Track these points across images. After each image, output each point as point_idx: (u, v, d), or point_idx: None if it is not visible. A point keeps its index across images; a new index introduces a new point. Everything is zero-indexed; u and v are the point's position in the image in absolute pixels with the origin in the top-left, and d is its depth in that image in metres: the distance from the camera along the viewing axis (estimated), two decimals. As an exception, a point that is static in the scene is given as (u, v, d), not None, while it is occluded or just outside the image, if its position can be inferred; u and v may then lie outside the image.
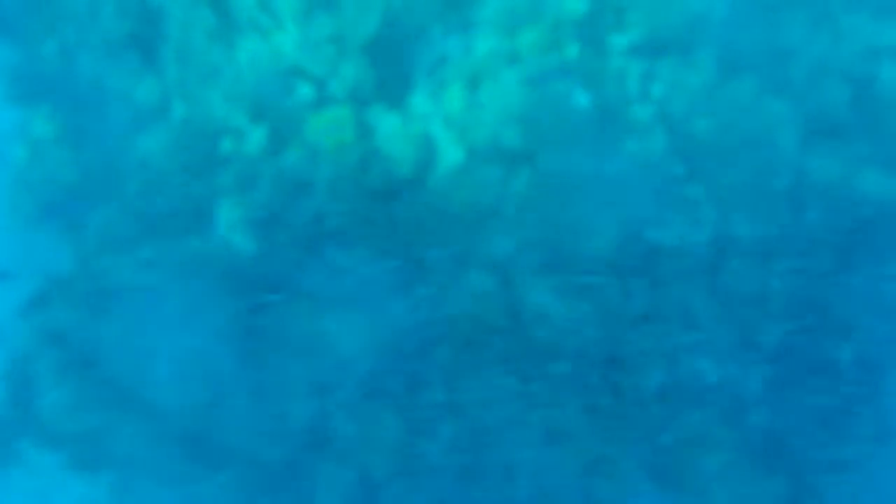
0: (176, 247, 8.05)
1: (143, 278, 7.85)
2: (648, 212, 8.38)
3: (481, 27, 9.14)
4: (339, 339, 8.20)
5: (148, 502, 8.40)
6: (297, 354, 8.08)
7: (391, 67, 8.94)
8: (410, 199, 8.54)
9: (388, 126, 8.76)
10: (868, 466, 8.89)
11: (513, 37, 9.01)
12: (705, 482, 8.64)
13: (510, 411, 8.12)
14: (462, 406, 8.06)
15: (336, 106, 8.63)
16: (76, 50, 9.78)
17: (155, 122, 9.49)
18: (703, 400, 8.47)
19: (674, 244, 8.39)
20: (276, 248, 8.25)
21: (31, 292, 8.41)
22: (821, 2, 10.14)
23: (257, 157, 8.36)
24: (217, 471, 8.24)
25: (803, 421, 8.57)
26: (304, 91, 8.67)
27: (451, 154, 8.70)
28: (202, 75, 8.98)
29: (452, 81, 8.98)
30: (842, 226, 9.06)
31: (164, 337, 8.00)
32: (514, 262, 8.50)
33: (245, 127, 8.57)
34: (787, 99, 9.16)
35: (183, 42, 9.34)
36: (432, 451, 8.13)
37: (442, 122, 8.83)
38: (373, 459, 8.30)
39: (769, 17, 9.56)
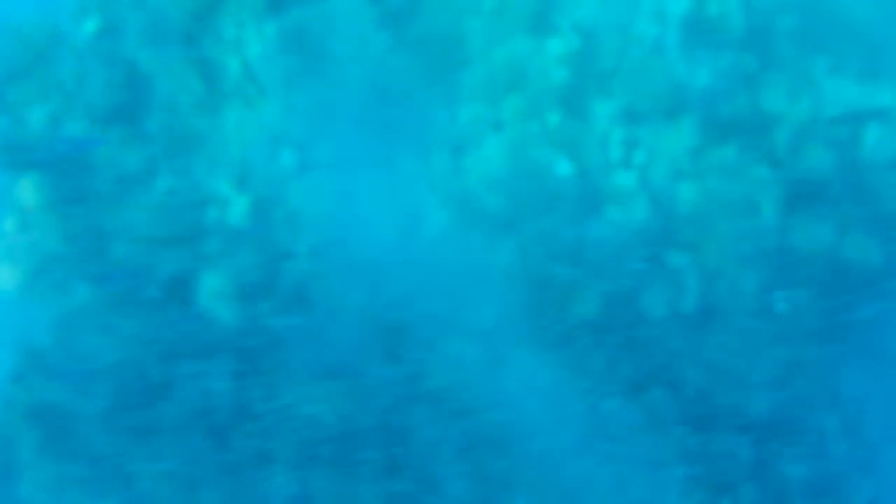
0: (158, 319, 7.99)
1: (124, 354, 7.77)
2: (632, 280, 8.33)
3: (466, 94, 9.22)
4: (320, 408, 8.10)
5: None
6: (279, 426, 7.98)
7: (377, 134, 8.98)
8: (396, 266, 8.49)
9: (374, 192, 8.74)
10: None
11: (496, 104, 9.07)
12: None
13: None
14: (439, 483, 7.95)
15: (321, 172, 8.63)
16: (63, 118, 9.84)
17: (141, 190, 9.50)
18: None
19: (659, 313, 8.31)
20: (259, 318, 8.18)
21: (11, 367, 8.34)
22: (803, 67, 10.25)
23: (241, 225, 8.34)
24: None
25: (792, 491, 8.43)
26: (288, 158, 8.69)
27: (436, 220, 8.69)
28: (188, 144, 9.01)
29: (438, 148, 9.01)
30: (827, 293, 9.01)
31: (142, 413, 7.92)
32: (498, 331, 8.42)
33: (229, 195, 8.57)
34: (769, 165, 9.18)
35: (170, 111, 9.42)
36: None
37: (428, 188, 8.84)
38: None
39: (751, 84, 9.64)
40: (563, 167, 8.50)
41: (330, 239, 8.28)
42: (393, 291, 8.22)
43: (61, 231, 9.62)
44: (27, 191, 9.54)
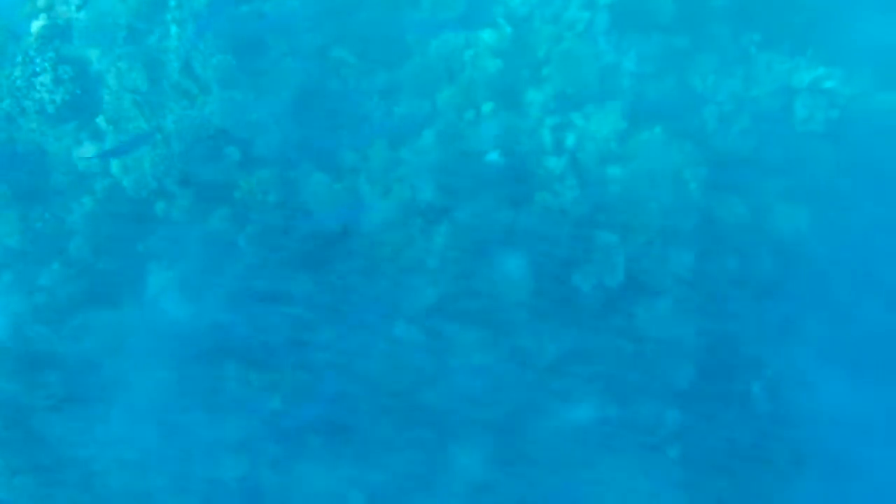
0: (110, 313, 8.40)
1: (77, 346, 8.18)
2: (564, 259, 8.78)
3: (402, 87, 9.57)
4: (267, 395, 8.56)
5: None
6: (227, 413, 8.43)
7: (317, 127, 9.33)
8: (337, 255, 8.91)
9: (314, 184, 9.13)
10: (785, 495, 9.31)
11: (432, 95, 9.43)
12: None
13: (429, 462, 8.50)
14: (383, 460, 8.43)
15: (263, 167, 9.00)
16: (17, 117, 10.15)
17: (94, 186, 9.85)
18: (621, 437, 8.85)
19: (589, 289, 8.78)
20: (206, 310, 8.59)
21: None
22: (734, 44, 10.60)
23: (186, 219, 8.72)
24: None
25: (719, 455, 8.98)
26: (231, 153, 9.05)
27: (375, 210, 9.08)
28: (137, 140, 9.34)
29: (376, 139, 9.38)
30: (752, 264, 9.48)
31: (100, 405, 8.35)
32: (437, 313, 8.87)
33: (175, 190, 8.94)
34: (696, 142, 9.59)
35: (116, 108, 9.72)
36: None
37: (367, 179, 9.22)
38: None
39: (681, 64, 10.01)
40: (494, 155, 8.86)
41: (272, 228, 8.63)
42: (332, 284, 8.61)
43: (20, 227, 9.96)
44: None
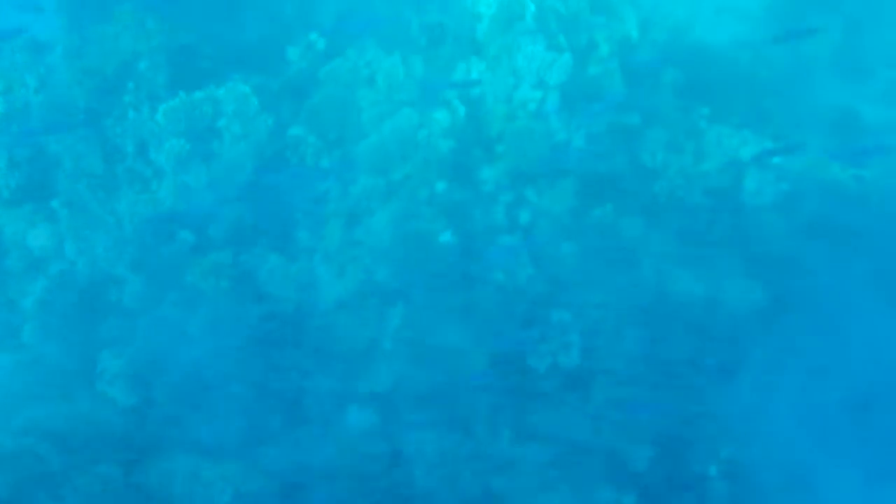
0: (60, 408, 8.29)
1: (24, 443, 8.04)
2: (519, 339, 8.79)
3: (359, 166, 9.65)
4: (219, 488, 8.41)
5: None
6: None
7: (272, 209, 9.36)
8: (292, 338, 8.86)
9: (269, 266, 9.12)
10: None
11: (386, 175, 9.52)
12: None
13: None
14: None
15: (216, 250, 8.98)
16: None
17: (48, 269, 9.78)
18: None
19: (544, 370, 8.78)
20: (155, 401, 8.49)
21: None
22: (684, 119, 10.83)
23: (136, 306, 8.67)
24: None
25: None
26: (184, 237, 9.04)
27: (331, 291, 9.08)
28: (89, 224, 9.32)
29: (331, 219, 9.42)
30: (708, 340, 9.54)
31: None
32: (392, 396, 8.82)
33: (126, 276, 8.90)
34: (648, 218, 9.72)
35: (71, 191, 9.71)
36: None
37: (322, 260, 9.23)
38: None
39: (630, 141, 10.20)
40: (447, 235, 8.93)
41: (223, 314, 8.59)
42: (289, 360, 8.55)
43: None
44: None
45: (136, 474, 8.36)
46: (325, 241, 9.15)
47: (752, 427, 9.33)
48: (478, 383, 8.36)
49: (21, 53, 9.92)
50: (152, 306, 8.68)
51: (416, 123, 9.49)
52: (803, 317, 10.54)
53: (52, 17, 11.28)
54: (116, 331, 8.67)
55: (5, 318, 9.70)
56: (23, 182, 9.89)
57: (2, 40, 9.67)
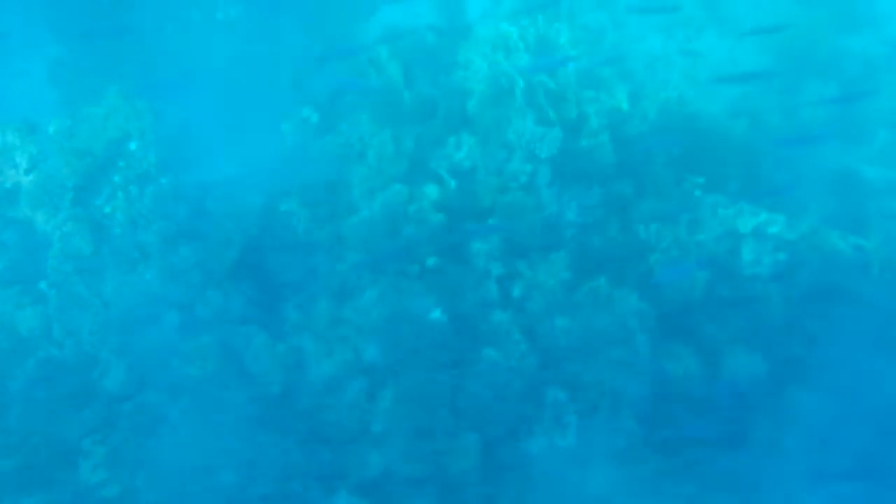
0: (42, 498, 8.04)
1: None
2: (514, 419, 8.53)
3: (346, 241, 9.54)
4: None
5: None
6: None
7: (259, 287, 9.22)
8: (280, 421, 8.63)
9: (256, 346, 8.93)
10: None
11: (375, 250, 9.39)
12: None
13: None
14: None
15: (203, 332, 8.81)
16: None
17: (36, 353, 9.61)
18: None
19: (540, 452, 8.49)
20: (138, 490, 8.22)
21: None
22: (677, 189, 10.74)
23: (119, 392, 8.47)
24: None
25: None
26: (171, 318, 8.88)
27: (319, 370, 8.87)
28: (76, 307, 9.19)
29: (320, 297, 9.26)
30: (708, 416, 9.26)
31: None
32: (385, 481, 8.53)
33: (110, 360, 8.71)
34: (642, 292, 9.53)
35: (59, 272, 9.60)
36: None
37: (311, 339, 9.04)
38: None
39: (623, 213, 10.09)
40: (436, 313, 8.76)
41: (207, 398, 8.38)
42: (272, 453, 8.31)
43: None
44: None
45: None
46: (314, 319, 8.94)
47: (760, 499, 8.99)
48: None
49: (12, 134, 9.93)
50: (136, 391, 8.44)
51: (405, 198, 9.39)
52: (807, 386, 10.29)
53: (45, 98, 11.39)
54: (100, 417, 8.41)
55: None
56: (9, 265, 9.77)
57: None
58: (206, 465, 8.23)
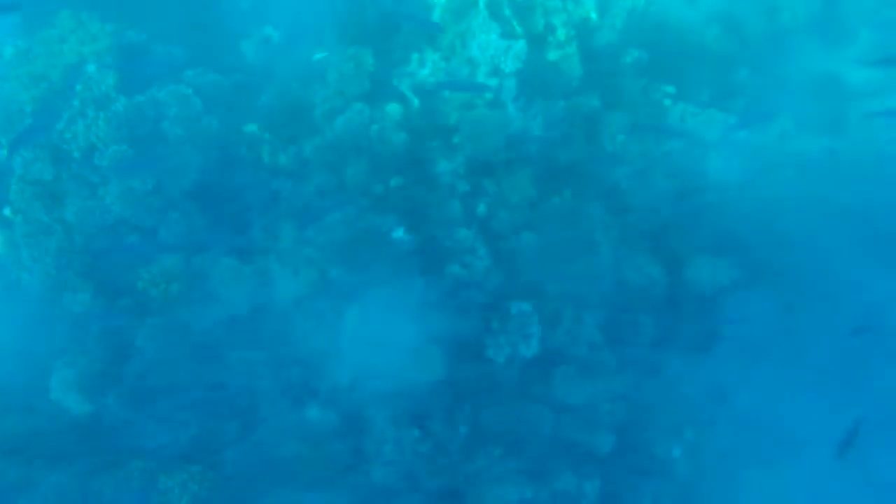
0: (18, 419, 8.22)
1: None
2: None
3: (310, 163, 9.49)
4: (176, 495, 8.34)
5: None
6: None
7: (222, 211, 9.22)
8: (245, 342, 8.75)
9: (222, 269, 8.98)
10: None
11: (339, 171, 9.35)
12: None
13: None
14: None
15: (167, 255, 8.84)
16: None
17: (4, 279, 9.67)
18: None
19: (504, 361, 8.66)
20: (108, 409, 8.39)
21: None
22: (645, 100, 10.62)
23: (87, 312, 8.56)
24: None
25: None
26: (133, 243, 8.90)
27: (285, 292, 8.95)
28: (38, 233, 9.19)
29: (284, 219, 9.27)
30: (671, 323, 9.41)
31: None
32: (351, 394, 8.72)
33: (77, 284, 8.78)
34: (607, 204, 9.55)
35: (21, 199, 9.56)
36: None
37: (276, 261, 9.09)
38: None
39: (590, 128, 9.99)
40: (400, 231, 8.78)
41: (175, 324, 8.48)
42: (241, 365, 8.45)
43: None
44: None
45: (93, 483, 8.27)
46: (279, 241, 8.96)
47: (718, 407, 9.22)
48: None
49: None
50: (103, 314, 8.52)
51: (367, 118, 9.28)
52: (778, 290, 10.39)
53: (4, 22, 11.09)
54: (68, 340, 8.51)
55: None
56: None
57: None
58: (174, 385, 8.34)
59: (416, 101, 9.65)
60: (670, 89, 10.61)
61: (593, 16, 10.47)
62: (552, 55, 9.97)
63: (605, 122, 10.05)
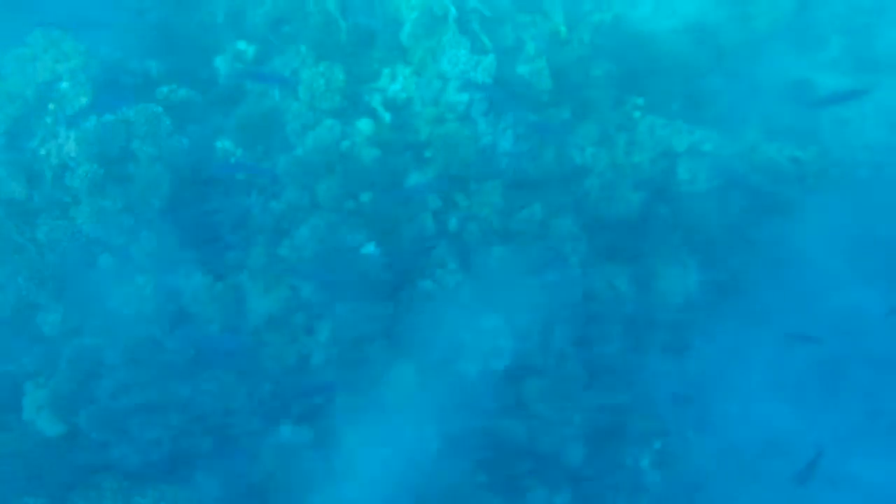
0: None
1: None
2: (449, 346, 8.74)
3: (283, 180, 9.55)
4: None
5: None
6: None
7: (193, 228, 9.26)
8: (218, 364, 8.80)
9: (194, 286, 9.02)
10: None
11: (311, 188, 9.42)
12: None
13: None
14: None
15: (139, 274, 8.88)
16: None
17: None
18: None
19: (476, 375, 8.74)
20: (80, 429, 8.42)
21: None
22: (615, 112, 10.74)
23: (58, 334, 8.59)
24: None
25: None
26: (106, 262, 8.94)
27: (257, 311, 9.00)
28: (10, 254, 9.21)
29: (256, 236, 9.32)
30: (641, 332, 9.52)
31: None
32: (324, 411, 8.79)
33: (47, 304, 8.80)
34: (577, 217, 9.66)
35: (-7, 218, 9.57)
36: None
37: (248, 278, 9.14)
38: None
39: (558, 140, 10.11)
40: (370, 247, 8.86)
41: (146, 339, 8.52)
42: (213, 383, 8.50)
43: None
44: None
45: (65, 503, 8.30)
46: (251, 258, 9.01)
47: (687, 415, 9.33)
48: None
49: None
50: (74, 334, 8.55)
51: (338, 134, 9.35)
52: (748, 298, 10.52)
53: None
54: (40, 360, 8.54)
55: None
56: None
57: None
58: (147, 405, 8.37)
59: (387, 116, 9.72)
60: (640, 101, 10.71)
61: (563, 29, 10.57)
62: (522, 69, 10.06)
63: (574, 135, 10.13)
